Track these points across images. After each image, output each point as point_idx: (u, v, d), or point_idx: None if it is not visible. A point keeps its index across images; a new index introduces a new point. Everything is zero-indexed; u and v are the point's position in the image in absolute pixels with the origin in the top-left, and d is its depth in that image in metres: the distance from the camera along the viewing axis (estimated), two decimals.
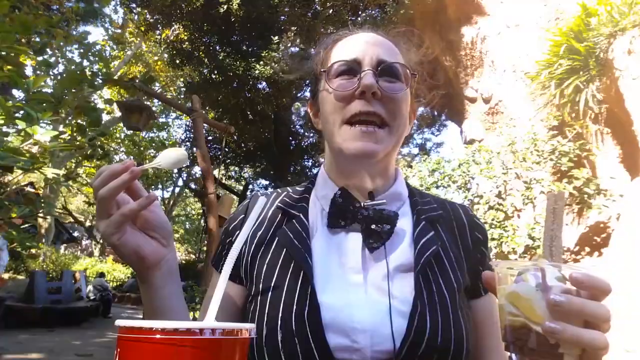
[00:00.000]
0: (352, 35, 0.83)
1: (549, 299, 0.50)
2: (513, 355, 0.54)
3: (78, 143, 3.28)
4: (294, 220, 0.79)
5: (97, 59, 3.99)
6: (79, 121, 3.73)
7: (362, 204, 0.77)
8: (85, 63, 4.25)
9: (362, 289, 0.70)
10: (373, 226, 0.75)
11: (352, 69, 0.76)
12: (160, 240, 0.70)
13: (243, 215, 0.85)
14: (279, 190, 0.90)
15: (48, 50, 3.93)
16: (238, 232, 0.69)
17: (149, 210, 0.68)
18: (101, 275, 14.77)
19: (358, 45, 0.79)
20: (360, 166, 0.77)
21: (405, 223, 0.78)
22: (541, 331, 0.50)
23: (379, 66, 0.76)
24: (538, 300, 0.52)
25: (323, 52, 0.85)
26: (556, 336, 0.49)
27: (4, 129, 2.56)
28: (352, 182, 0.79)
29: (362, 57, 0.76)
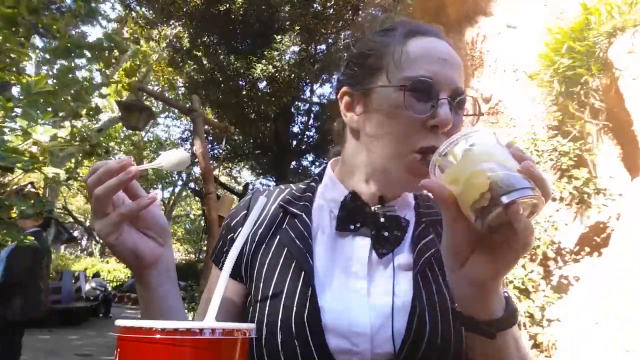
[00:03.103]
0: (427, 39, 0.72)
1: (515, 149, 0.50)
2: (479, 223, 0.48)
3: (78, 138, 3.25)
4: (296, 220, 0.78)
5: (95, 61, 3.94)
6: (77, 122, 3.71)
7: (373, 209, 0.75)
8: (85, 62, 4.22)
9: (364, 293, 0.69)
10: (384, 232, 0.73)
11: (425, 89, 0.67)
12: (157, 239, 0.69)
13: (245, 212, 0.83)
14: (281, 186, 0.88)
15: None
16: (241, 228, 0.67)
17: (146, 209, 0.67)
18: (96, 275, 14.71)
19: (435, 61, 0.69)
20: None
21: (409, 227, 0.78)
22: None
23: (456, 97, 0.68)
24: (506, 154, 0.50)
25: (397, 46, 0.71)
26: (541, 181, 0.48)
27: (6, 129, 2.55)
28: (365, 186, 0.77)
29: (438, 78, 0.67)
